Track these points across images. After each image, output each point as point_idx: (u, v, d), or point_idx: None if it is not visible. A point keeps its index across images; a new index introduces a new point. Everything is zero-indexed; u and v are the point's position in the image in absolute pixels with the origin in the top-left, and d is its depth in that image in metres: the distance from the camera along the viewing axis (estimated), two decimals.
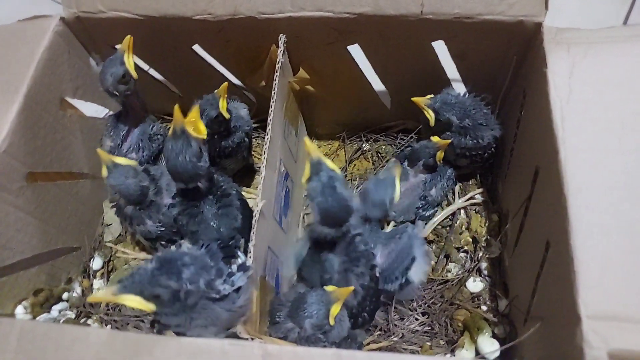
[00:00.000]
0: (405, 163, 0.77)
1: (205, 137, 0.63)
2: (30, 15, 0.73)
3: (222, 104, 0.71)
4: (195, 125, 0.62)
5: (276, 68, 0.69)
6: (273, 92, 0.67)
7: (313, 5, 0.68)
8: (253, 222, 0.59)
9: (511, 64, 0.73)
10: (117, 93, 0.73)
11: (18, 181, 0.67)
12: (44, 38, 0.71)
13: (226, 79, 0.86)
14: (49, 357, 0.49)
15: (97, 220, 0.86)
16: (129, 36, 0.71)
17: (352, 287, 0.55)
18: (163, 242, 0.72)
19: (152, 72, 0.87)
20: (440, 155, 0.74)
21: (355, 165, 0.92)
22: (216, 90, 0.73)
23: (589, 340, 0.45)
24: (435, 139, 0.73)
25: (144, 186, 0.68)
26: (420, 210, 0.78)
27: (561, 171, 0.54)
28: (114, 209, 0.76)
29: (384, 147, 0.92)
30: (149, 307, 0.50)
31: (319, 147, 0.95)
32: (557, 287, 0.54)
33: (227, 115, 0.72)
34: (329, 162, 0.57)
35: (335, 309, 0.55)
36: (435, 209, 0.81)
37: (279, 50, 0.70)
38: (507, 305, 0.70)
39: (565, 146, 0.56)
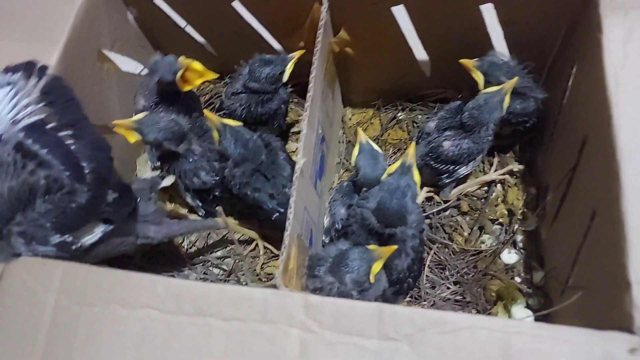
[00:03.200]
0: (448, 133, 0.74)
1: (241, 123, 0.69)
2: None
3: (290, 66, 0.73)
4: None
5: (319, 25, 0.68)
6: (316, 49, 0.66)
7: None
8: (293, 179, 0.58)
9: (561, 32, 0.71)
10: (159, 89, 0.76)
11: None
12: None
13: (263, 40, 0.85)
14: (90, 299, 0.50)
15: (131, 177, 0.86)
16: (191, 62, 0.71)
17: (395, 247, 0.55)
18: (217, 193, 0.73)
19: (189, 29, 0.86)
20: (507, 100, 0.68)
21: (389, 134, 0.90)
22: (292, 54, 0.75)
23: (639, 305, 0.44)
24: (493, 88, 0.68)
25: (180, 126, 0.69)
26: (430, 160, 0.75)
27: (613, 138, 0.52)
28: (156, 165, 0.77)
29: (420, 116, 0.90)
30: None
31: (353, 115, 0.94)
32: (603, 255, 0.52)
33: (286, 79, 0.75)
34: (416, 173, 0.59)
35: (376, 267, 0.55)
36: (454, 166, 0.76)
37: (323, 7, 0.69)
38: (542, 277, 0.69)
39: (619, 112, 0.54)
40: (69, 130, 0.56)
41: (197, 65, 0.71)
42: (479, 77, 0.71)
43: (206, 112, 0.66)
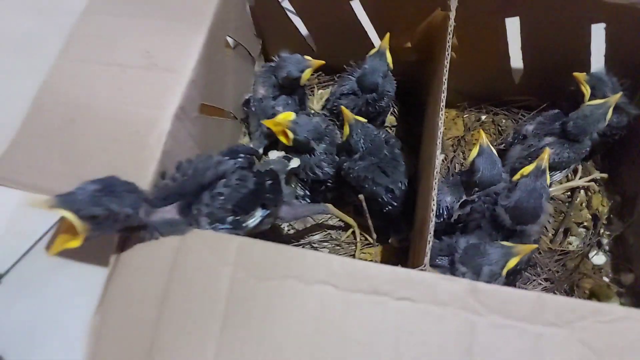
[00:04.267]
0: (549, 139, 0.80)
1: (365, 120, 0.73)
2: None
3: (389, 57, 0.75)
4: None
5: (448, 31, 0.72)
6: (447, 53, 0.70)
7: None
8: (435, 173, 0.63)
9: None
10: (280, 82, 0.80)
11: (194, 111, 0.70)
12: None
13: (367, 38, 0.88)
14: (267, 273, 0.53)
15: None
16: (321, 62, 0.79)
17: (535, 246, 0.60)
18: (330, 184, 0.77)
19: (298, 23, 0.88)
20: (610, 113, 0.74)
21: (472, 135, 0.95)
22: (380, 45, 0.76)
23: None
24: (597, 100, 0.74)
25: (322, 127, 0.73)
26: None
27: None
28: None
29: (503, 120, 0.95)
30: (80, 225, 0.48)
31: None
32: None
33: (391, 65, 0.77)
34: (548, 176, 0.64)
35: (512, 262, 0.60)
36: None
37: (451, 14, 0.73)
38: (634, 279, 0.75)
39: None
40: None
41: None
42: (587, 90, 0.76)
43: (342, 108, 0.70)
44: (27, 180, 0.62)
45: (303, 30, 0.91)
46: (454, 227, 0.72)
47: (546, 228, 0.84)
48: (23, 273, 0.90)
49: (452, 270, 0.63)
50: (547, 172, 0.64)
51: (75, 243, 0.50)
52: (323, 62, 0.77)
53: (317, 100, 0.98)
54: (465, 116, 0.97)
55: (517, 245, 0.60)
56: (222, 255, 0.54)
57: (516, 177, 0.65)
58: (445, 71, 0.69)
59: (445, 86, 0.68)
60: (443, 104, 0.67)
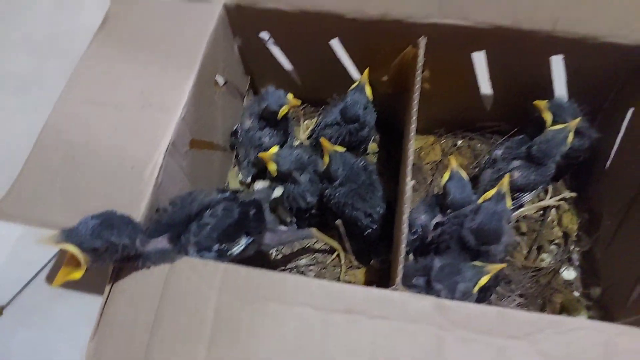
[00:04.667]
0: (517, 163, 0.85)
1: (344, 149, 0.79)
2: None
3: (369, 91, 0.81)
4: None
5: (418, 66, 0.78)
6: (416, 87, 0.76)
7: (458, 15, 0.77)
8: (405, 198, 0.68)
9: (618, 81, 0.83)
10: (260, 112, 0.86)
11: (185, 146, 0.75)
12: (211, 21, 0.79)
13: (347, 72, 0.94)
14: (250, 296, 0.58)
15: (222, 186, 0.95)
16: (298, 102, 0.85)
17: (504, 265, 0.65)
18: (314, 212, 0.82)
19: (284, 61, 0.95)
20: (571, 136, 0.79)
21: (449, 159, 1.00)
22: (360, 79, 0.83)
23: None
24: (558, 126, 0.79)
25: (304, 159, 0.78)
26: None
27: None
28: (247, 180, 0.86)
29: (478, 145, 1.01)
30: (83, 257, 0.52)
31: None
32: None
33: (371, 98, 0.83)
34: (509, 200, 0.69)
35: (483, 280, 0.64)
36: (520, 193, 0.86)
37: (420, 50, 0.79)
38: (601, 292, 0.79)
39: None
40: None
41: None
42: (549, 116, 0.82)
43: (322, 139, 0.75)
44: (31, 215, 0.67)
45: (288, 67, 0.97)
46: (428, 249, 0.77)
47: (520, 246, 0.89)
48: (24, 304, 0.94)
49: (427, 289, 0.67)
50: (508, 196, 0.69)
51: (77, 275, 0.55)
52: (299, 102, 0.85)
53: (303, 131, 1.04)
54: (442, 142, 1.03)
55: (487, 264, 0.65)
56: (209, 281, 0.59)
57: (480, 200, 0.70)
58: (415, 103, 0.75)
59: (415, 117, 0.74)
60: (413, 134, 0.73)
